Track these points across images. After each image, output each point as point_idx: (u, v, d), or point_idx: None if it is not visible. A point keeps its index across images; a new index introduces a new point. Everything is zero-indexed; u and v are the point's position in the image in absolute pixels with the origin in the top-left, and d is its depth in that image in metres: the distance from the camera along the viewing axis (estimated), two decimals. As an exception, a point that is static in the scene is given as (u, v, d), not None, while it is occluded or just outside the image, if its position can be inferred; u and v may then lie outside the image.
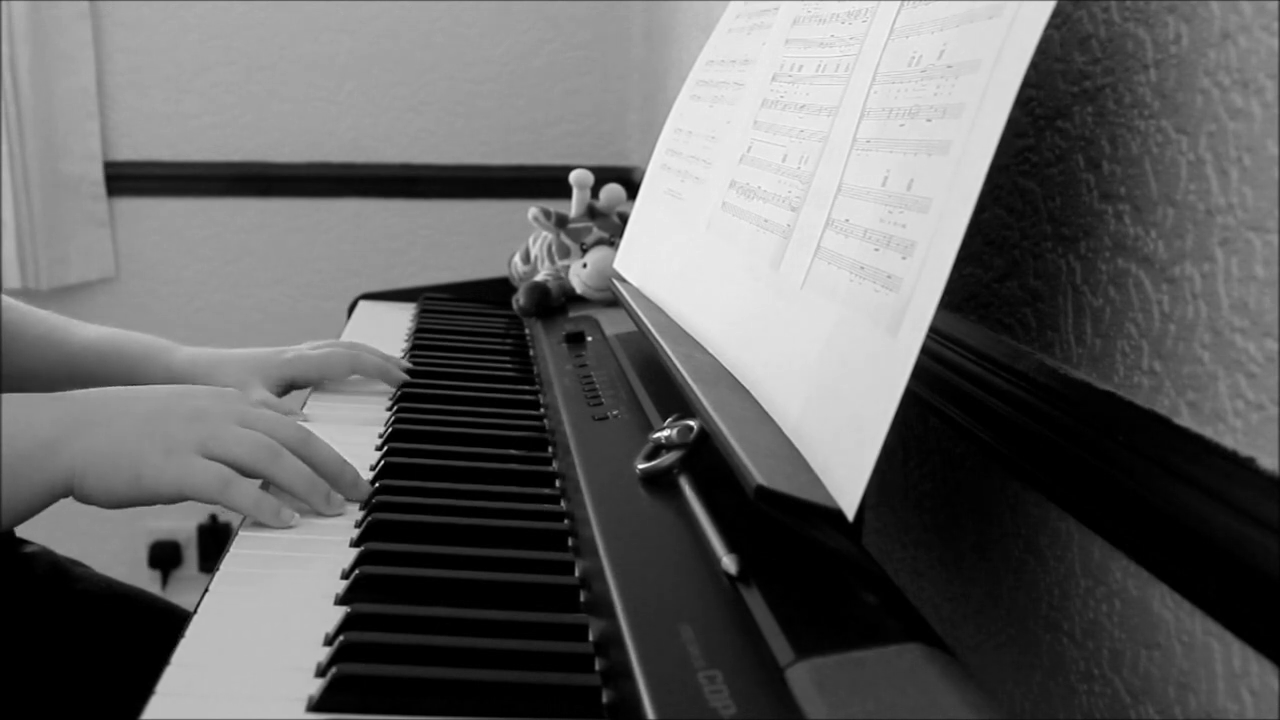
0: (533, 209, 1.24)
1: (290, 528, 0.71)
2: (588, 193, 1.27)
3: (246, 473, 0.73)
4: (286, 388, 1.00)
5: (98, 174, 2.14)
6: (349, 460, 0.77)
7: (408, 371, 1.05)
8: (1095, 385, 0.62)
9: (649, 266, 1.00)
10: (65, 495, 0.72)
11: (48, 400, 0.73)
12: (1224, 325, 0.53)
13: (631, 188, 1.22)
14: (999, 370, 0.70)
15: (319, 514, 0.74)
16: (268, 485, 0.74)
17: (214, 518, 2.25)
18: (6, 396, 0.72)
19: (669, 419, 0.73)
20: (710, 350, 0.78)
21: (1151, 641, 0.58)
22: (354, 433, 0.89)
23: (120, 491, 0.71)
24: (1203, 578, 0.52)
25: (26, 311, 1.03)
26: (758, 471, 0.55)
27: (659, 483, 0.70)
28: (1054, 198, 0.67)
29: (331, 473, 0.75)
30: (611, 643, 0.55)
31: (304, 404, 0.97)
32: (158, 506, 0.73)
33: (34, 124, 2.05)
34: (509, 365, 1.11)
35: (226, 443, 0.72)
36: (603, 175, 1.32)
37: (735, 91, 0.93)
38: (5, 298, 1.02)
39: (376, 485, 0.78)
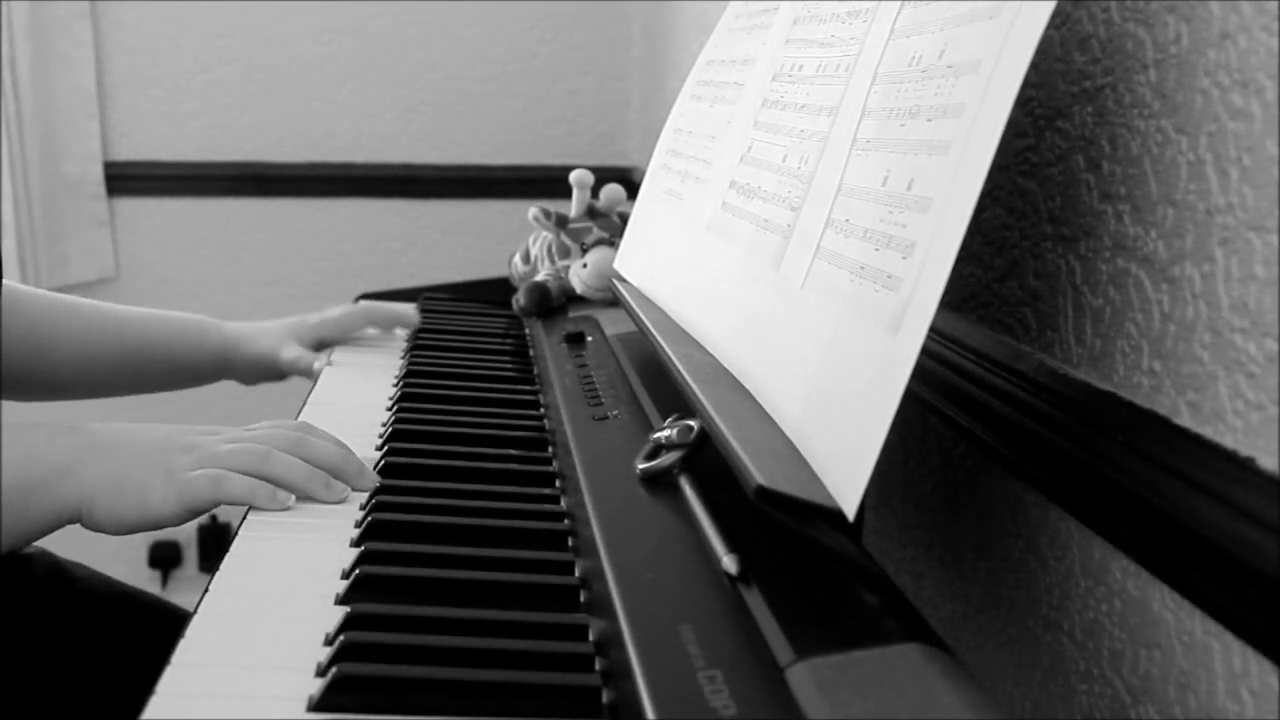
0: (533, 209, 1.24)
1: (288, 509, 0.73)
2: (588, 193, 1.27)
3: None
4: (317, 347, 1.16)
5: (98, 174, 2.14)
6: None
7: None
8: (1095, 385, 0.62)
9: (649, 266, 1.00)
10: (72, 521, 0.74)
11: (60, 430, 0.76)
12: (1224, 325, 0.53)
13: (631, 188, 1.22)
14: (999, 370, 0.70)
15: (322, 501, 0.75)
16: None
17: (214, 518, 2.25)
18: (21, 425, 0.75)
19: (669, 419, 0.73)
20: (710, 350, 0.78)
21: (1151, 641, 0.58)
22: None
23: (129, 517, 0.73)
24: (1203, 578, 0.52)
25: (62, 296, 1.08)
26: (758, 471, 0.55)
27: (659, 483, 0.70)
28: (1054, 198, 0.67)
29: (333, 465, 0.76)
30: (611, 643, 0.55)
31: (329, 356, 1.13)
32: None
33: (34, 124, 2.05)
34: (509, 365, 1.11)
35: (219, 457, 0.75)
36: (603, 175, 1.32)
37: (735, 91, 0.93)
38: (39, 290, 1.07)
39: (376, 485, 0.78)
